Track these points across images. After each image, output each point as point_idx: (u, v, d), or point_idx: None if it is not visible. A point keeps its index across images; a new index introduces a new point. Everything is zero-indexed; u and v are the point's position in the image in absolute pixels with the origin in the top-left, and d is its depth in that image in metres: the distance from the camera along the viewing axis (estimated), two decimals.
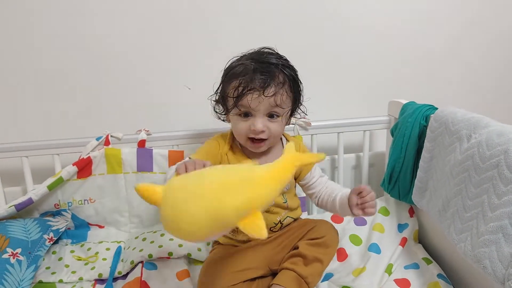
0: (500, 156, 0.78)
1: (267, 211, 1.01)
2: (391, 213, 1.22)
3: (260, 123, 0.93)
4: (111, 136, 1.22)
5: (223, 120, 1.05)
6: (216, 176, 0.66)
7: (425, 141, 1.07)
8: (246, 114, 0.94)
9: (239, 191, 0.63)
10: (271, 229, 1.04)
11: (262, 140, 0.96)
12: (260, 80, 0.90)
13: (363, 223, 1.21)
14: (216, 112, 1.03)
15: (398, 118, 1.21)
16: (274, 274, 0.99)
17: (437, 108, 1.08)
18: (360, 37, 1.46)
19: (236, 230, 1.02)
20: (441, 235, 1.09)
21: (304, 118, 1.26)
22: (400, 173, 1.17)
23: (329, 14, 1.41)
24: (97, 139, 1.21)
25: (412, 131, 1.12)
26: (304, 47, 1.40)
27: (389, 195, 1.25)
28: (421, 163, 1.08)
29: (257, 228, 0.61)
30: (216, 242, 1.08)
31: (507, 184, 0.76)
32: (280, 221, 1.04)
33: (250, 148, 0.99)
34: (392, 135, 1.23)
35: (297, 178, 1.08)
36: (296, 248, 0.99)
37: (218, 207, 0.61)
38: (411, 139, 1.13)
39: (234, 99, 0.92)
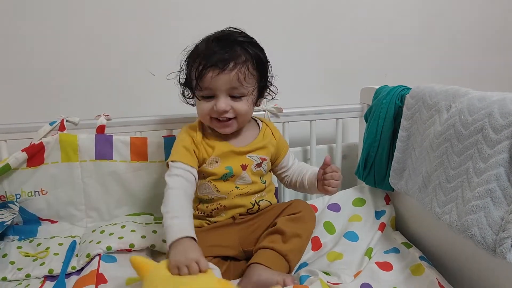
0: (484, 119, 0.75)
1: (243, 194, 0.98)
2: (367, 201, 1.16)
3: (223, 102, 0.90)
4: (67, 120, 1.12)
5: (192, 105, 1.01)
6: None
7: (402, 119, 1.03)
8: (210, 96, 0.92)
9: None
10: (248, 210, 1.00)
11: (228, 119, 0.93)
12: (219, 56, 0.88)
13: (337, 209, 1.15)
14: (184, 96, 1.00)
15: (372, 102, 1.17)
16: (248, 258, 0.93)
17: (411, 88, 1.06)
18: (334, 25, 1.45)
19: (211, 214, 0.98)
20: (418, 221, 1.06)
21: (275, 105, 1.23)
22: (376, 157, 1.12)
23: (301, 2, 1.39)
24: (51, 123, 1.11)
25: (388, 112, 1.09)
26: (275, 35, 1.36)
27: (364, 183, 1.20)
28: (398, 143, 1.04)
29: None
30: None
31: (493, 146, 0.72)
32: (256, 201, 1.00)
33: (217, 129, 0.96)
34: (366, 120, 1.19)
35: (273, 163, 1.07)
36: (274, 225, 0.94)
37: None
38: (387, 121, 1.09)
39: (196, 80, 0.90)
